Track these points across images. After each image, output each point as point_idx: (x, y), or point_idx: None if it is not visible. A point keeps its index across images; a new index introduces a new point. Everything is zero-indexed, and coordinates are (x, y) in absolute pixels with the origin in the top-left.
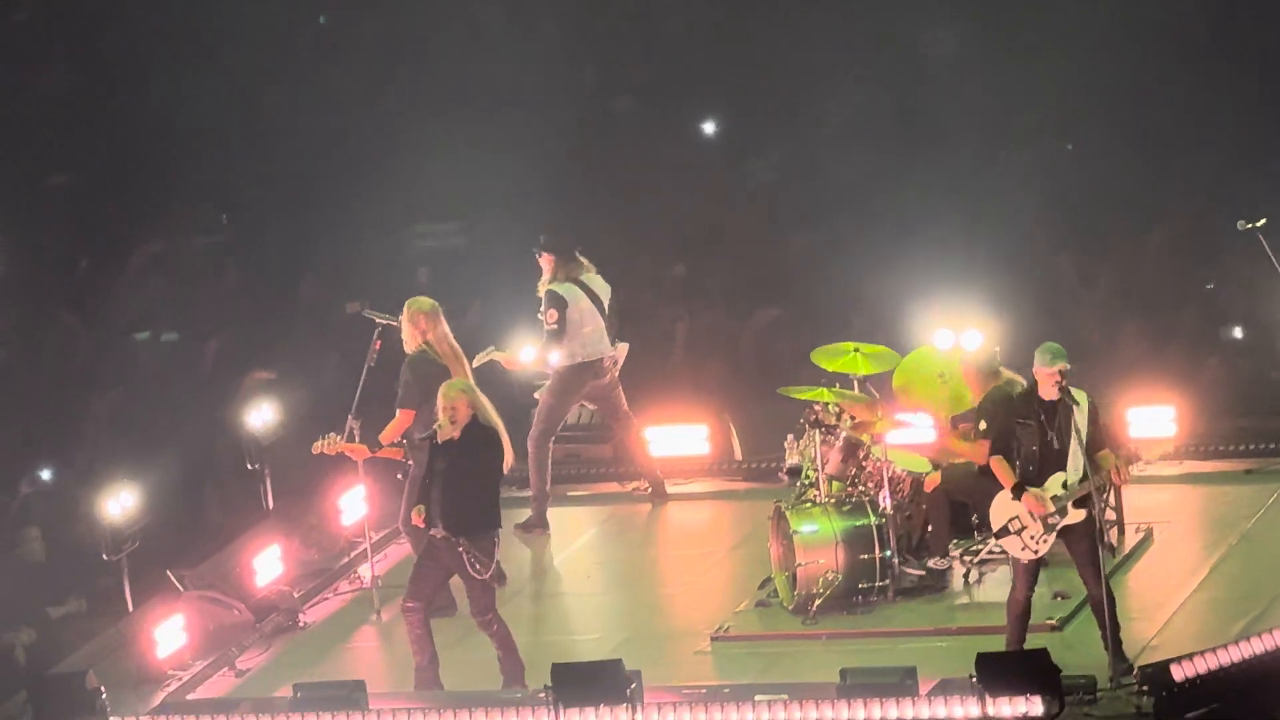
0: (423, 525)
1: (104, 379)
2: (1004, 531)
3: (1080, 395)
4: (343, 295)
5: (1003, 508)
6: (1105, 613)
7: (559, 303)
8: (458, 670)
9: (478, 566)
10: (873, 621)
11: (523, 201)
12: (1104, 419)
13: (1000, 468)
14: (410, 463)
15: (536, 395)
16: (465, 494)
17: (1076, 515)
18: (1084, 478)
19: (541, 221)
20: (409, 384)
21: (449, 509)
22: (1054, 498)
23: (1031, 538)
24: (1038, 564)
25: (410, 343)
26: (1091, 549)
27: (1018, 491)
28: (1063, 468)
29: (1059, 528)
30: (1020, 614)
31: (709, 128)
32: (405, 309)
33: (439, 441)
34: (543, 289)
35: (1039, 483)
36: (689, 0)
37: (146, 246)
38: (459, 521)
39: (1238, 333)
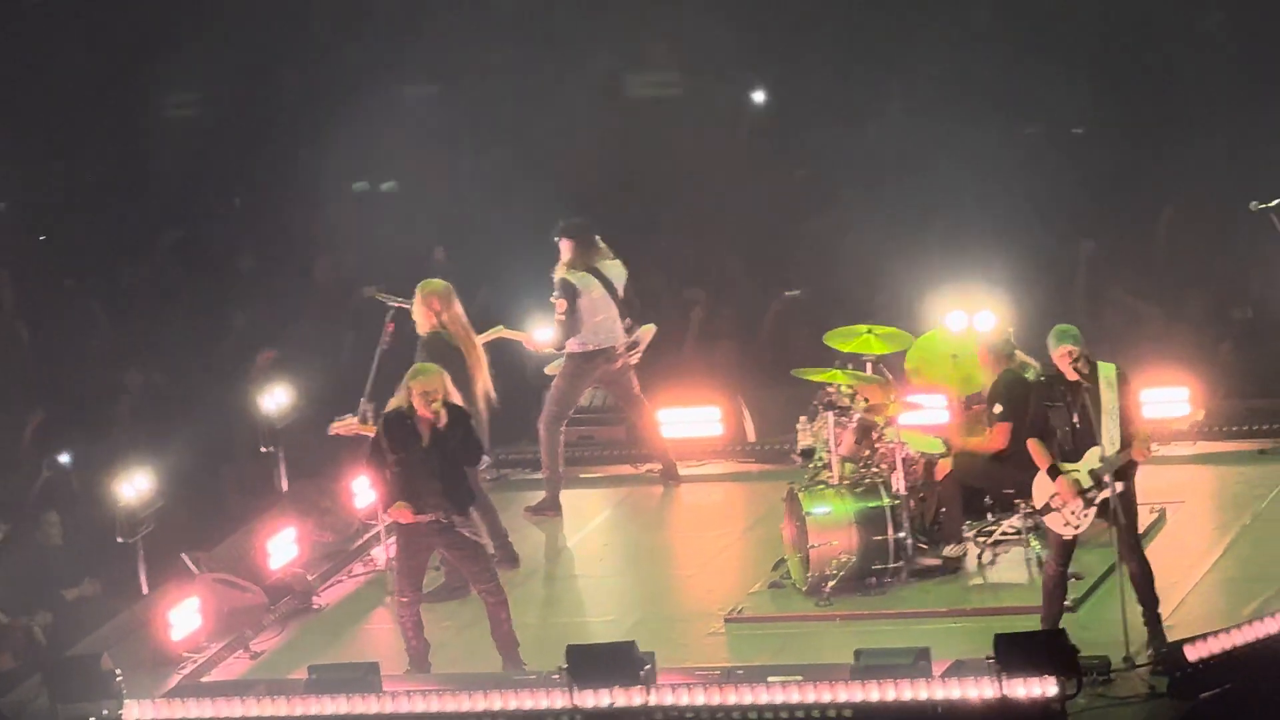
0: (411, 519)
1: (122, 363)
2: (1046, 509)
3: (1106, 368)
4: (357, 278)
5: (1043, 486)
6: (1142, 587)
7: (570, 292)
8: (474, 652)
9: (476, 532)
10: (886, 603)
11: (538, 184)
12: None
13: (1036, 449)
14: None
15: (548, 371)
16: (459, 472)
17: (1115, 488)
18: (1120, 449)
19: (557, 204)
20: None
21: (451, 491)
22: (1090, 471)
23: (1073, 513)
24: (1072, 540)
25: (423, 324)
26: (1129, 524)
27: (1053, 474)
28: (1096, 443)
29: (1098, 501)
30: (1055, 589)
31: (724, 110)
32: (418, 290)
33: (441, 429)
34: (559, 274)
35: (1076, 459)
36: None
37: (160, 231)
38: (462, 499)
39: (1251, 314)
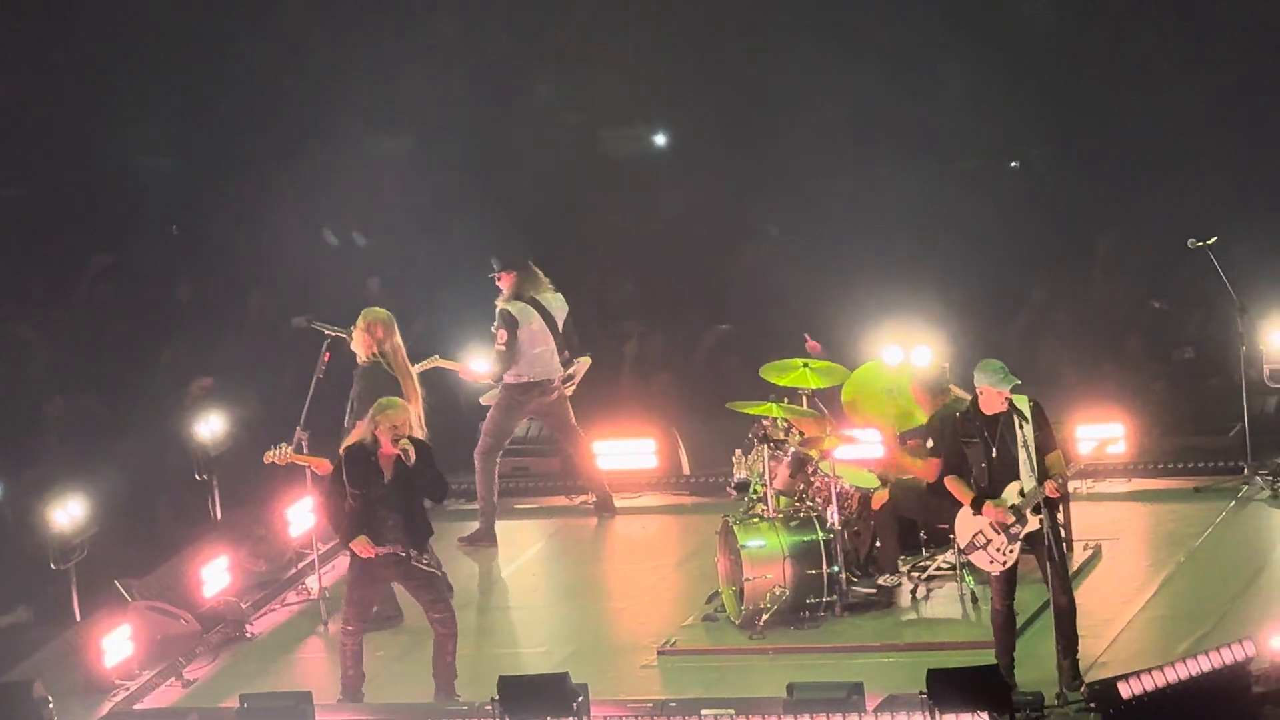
0: (372, 553)
1: (54, 390)
2: (970, 547)
3: (1021, 401)
4: (292, 307)
5: (966, 524)
6: (1065, 622)
7: (510, 323)
8: (406, 683)
9: (431, 564)
10: (820, 637)
11: (473, 216)
12: (1051, 420)
13: (955, 486)
14: None
15: (484, 401)
16: (419, 507)
17: (1036, 522)
18: (1039, 483)
19: (492, 235)
20: (362, 395)
21: (411, 525)
22: (1012, 507)
23: (998, 550)
24: (1012, 573)
25: (363, 352)
26: (1056, 555)
27: (976, 506)
28: (1016, 476)
29: (1022, 536)
30: (1004, 624)
31: (658, 143)
32: (361, 318)
33: (408, 464)
34: (501, 304)
35: (995, 495)
36: (639, 16)
37: (96, 257)
38: (421, 533)
39: (1187, 351)
